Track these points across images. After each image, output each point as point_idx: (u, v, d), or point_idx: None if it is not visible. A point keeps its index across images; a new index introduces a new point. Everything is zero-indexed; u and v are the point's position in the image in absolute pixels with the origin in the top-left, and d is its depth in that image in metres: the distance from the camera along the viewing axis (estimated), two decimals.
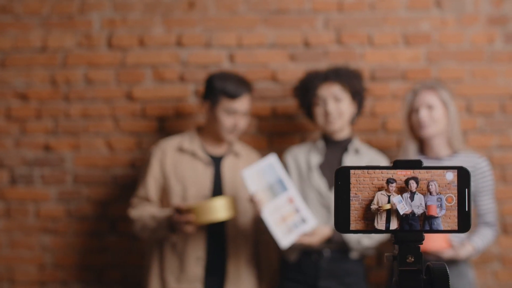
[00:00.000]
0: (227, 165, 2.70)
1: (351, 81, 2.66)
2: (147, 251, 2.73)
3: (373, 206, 0.96)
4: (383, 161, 2.72)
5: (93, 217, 3.12)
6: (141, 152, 3.10)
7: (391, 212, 0.96)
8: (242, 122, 2.69)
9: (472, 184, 2.62)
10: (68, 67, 3.13)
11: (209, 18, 3.13)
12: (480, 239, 2.62)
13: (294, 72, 3.06)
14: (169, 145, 2.71)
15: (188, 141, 2.71)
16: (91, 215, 3.12)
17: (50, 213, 3.13)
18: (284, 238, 2.49)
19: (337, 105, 2.64)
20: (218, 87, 2.63)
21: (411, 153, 2.68)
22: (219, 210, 2.47)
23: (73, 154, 3.13)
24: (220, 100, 2.63)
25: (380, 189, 0.96)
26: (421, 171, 0.96)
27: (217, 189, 2.66)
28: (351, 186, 0.96)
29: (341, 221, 0.96)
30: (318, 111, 2.67)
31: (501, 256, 3.06)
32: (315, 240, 2.54)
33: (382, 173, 0.96)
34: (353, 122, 2.76)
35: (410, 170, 0.96)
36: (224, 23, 3.12)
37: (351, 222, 0.96)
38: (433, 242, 2.48)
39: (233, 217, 2.58)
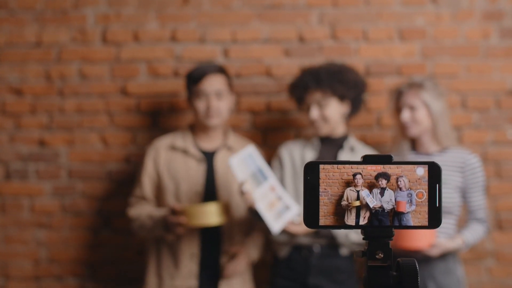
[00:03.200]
0: (220, 160, 2.70)
1: (333, 86, 2.62)
2: (146, 248, 2.76)
3: (343, 203, 0.95)
4: None
5: (88, 212, 3.13)
6: (136, 147, 3.10)
7: (361, 207, 0.95)
8: (221, 104, 2.65)
9: (462, 180, 2.62)
10: (62, 62, 3.13)
11: (203, 13, 3.12)
12: (471, 233, 2.61)
13: (289, 67, 3.05)
14: (162, 143, 2.73)
15: (181, 138, 2.72)
16: (85, 210, 3.12)
17: (45, 208, 3.13)
18: (276, 223, 2.50)
19: (321, 111, 2.64)
20: (187, 77, 2.71)
21: (405, 149, 2.69)
22: (210, 215, 2.48)
23: (67, 149, 3.13)
24: (190, 88, 2.70)
25: (349, 184, 0.95)
26: (392, 166, 0.95)
27: (210, 185, 2.66)
28: (321, 181, 0.95)
29: (310, 216, 0.95)
30: (306, 117, 2.71)
31: (495, 252, 3.05)
32: (301, 229, 2.55)
33: (351, 168, 0.95)
34: (347, 119, 2.75)
35: (380, 165, 0.95)
36: (218, 18, 3.12)
37: (320, 217, 0.95)
38: (418, 241, 2.46)
39: (224, 223, 2.56)
